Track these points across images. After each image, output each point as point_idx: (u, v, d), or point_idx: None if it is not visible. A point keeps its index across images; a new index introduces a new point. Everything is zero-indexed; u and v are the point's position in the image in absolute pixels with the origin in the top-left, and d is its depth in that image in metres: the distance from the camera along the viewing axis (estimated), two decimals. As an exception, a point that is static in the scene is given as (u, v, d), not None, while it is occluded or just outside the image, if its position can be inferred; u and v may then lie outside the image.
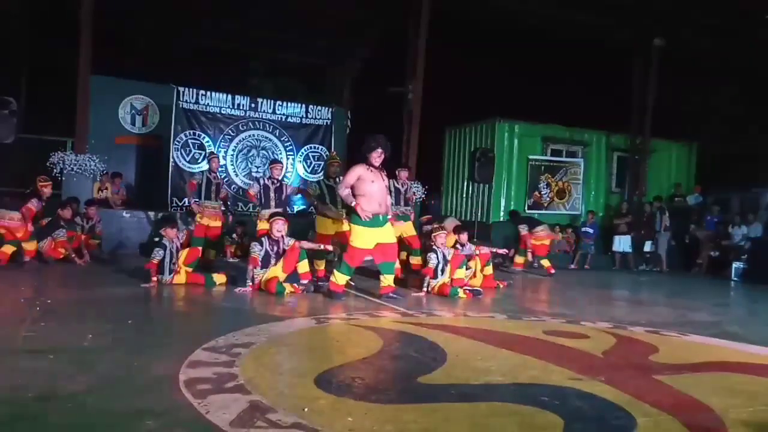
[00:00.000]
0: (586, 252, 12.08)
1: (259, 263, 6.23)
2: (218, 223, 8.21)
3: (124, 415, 2.44)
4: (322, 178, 7.95)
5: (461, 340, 4.25)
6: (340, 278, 6.05)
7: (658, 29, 13.03)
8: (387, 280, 6.15)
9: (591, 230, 12.24)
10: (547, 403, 2.81)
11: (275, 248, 6.31)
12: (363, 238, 5.96)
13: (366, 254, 6.15)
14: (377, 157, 5.96)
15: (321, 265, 7.32)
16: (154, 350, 3.55)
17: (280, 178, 7.78)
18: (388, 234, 6.11)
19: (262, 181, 7.68)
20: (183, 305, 5.71)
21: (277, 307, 5.60)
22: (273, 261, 6.29)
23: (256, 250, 6.24)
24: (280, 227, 6.30)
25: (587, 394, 2.99)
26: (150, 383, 2.88)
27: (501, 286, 7.62)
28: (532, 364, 3.60)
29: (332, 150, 11.87)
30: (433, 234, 6.96)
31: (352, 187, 5.95)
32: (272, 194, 7.54)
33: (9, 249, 7.43)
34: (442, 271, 6.70)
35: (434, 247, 6.79)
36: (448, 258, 6.78)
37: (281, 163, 8.83)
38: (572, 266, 11.93)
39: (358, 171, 5.95)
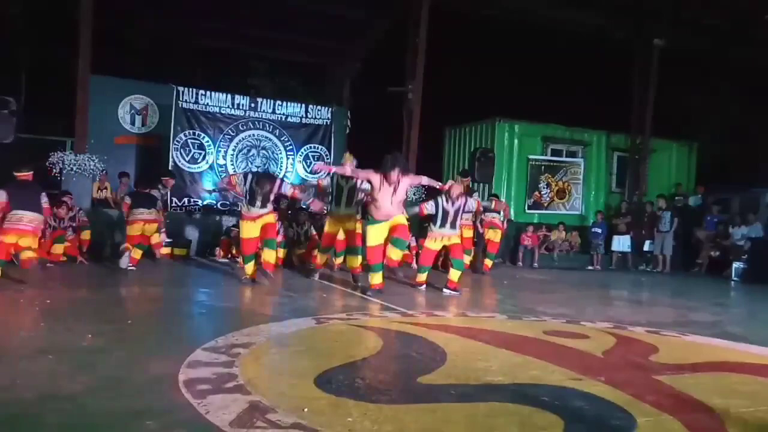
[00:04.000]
0: (595, 252, 12.26)
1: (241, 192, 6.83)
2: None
3: (124, 415, 2.44)
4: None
5: (461, 340, 4.25)
6: (376, 278, 6.42)
7: (658, 29, 13.03)
8: (396, 254, 6.60)
9: (599, 230, 12.33)
10: (547, 403, 2.81)
11: (264, 188, 6.74)
12: (374, 236, 6.36)
13: (381, 249, 6.45)
14: (394, 177, 6.21)
15: (321, 259, 7.54)
16: (154, 350, 3.55)
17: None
18: (397, 219, 6.43)
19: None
20: (183, 305, 5.71)
21: (277, 307, 5.60)
22: (260, 199, 6.69)
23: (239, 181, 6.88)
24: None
25: (587, 394, 2.99)
26: (150, 383, 2.87)
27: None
28: (532, 364, 3.59)
29: (332, 151, 11.90)
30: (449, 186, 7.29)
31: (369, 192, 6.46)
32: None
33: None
34: (443, 222, 6.98)
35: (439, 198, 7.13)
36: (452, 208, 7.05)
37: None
38: (594, 267, 12.17)
39: (372, 178, 6.30)
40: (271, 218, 6.91)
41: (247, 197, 6.77)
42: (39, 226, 6.51)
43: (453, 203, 7.01)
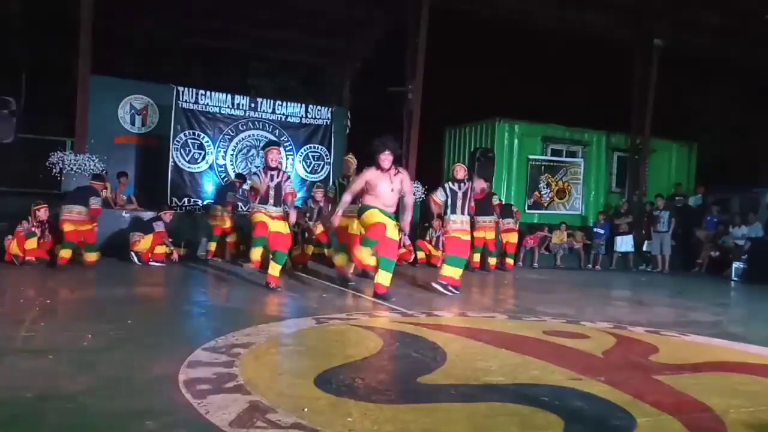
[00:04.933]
0: (597, 252, 12.24)
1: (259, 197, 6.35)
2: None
3: (124, 415, 2.44)
4: (339, 177, 8.15)
5: (461, 340, 4.25)
6: (365, 255, 6.01)
7: (658, 29, 13.03)
8: (383, 277, 6.01)
9: (602, 231, 12.34)
10: (547, 403, 2.81)
11: (274, 179, 6.37)
12: (376, 215, 5.89)
13: (384, 228, 5.91)
14: (386, 159, 5.95)
15: (341, 260, 7.16)
16: (154, 350, 3.55)
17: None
18: (391, 229, 6.04)
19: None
20: (183, 305, 5.71)
21: (277, 307, 5.60)
22: (273, 195, 6.30)
23: (257, 180, 6.41)
24: (275, 156, 6.42)
25: (587, 394, 2.99)
26: (150, 383, 2.87)
27: None
28: (532, 364, 3.59)
29: (332, 151, 11.91)
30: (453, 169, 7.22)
31: (365, 186, 6.00)
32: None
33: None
34: (453, 208, 6.81)
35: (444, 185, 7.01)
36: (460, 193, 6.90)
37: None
38: (594, 267, 12.18)
39: (367, 176, 5.99)
40: (283, 227, 6.41)
41: (260, 197, 6.39)
42: (83, 217, 7.72)
43: (460, 186, 6.92)
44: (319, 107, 12.20)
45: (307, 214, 9.64)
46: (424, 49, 11.33)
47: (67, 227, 7.57)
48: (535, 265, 11.71)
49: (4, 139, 9.05)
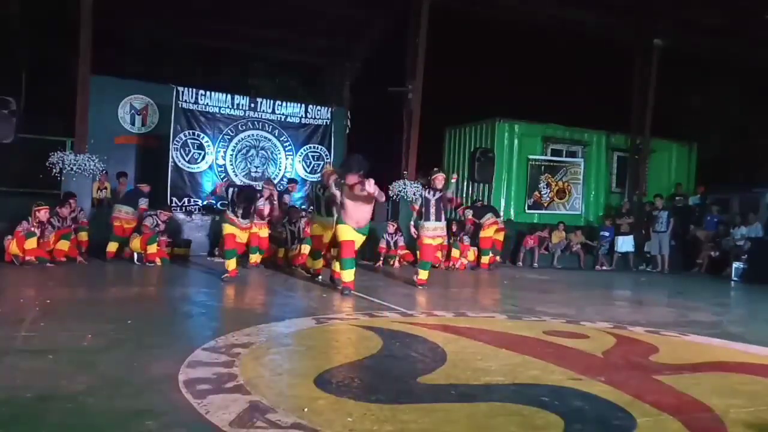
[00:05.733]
0: (599, 253, 12.27)
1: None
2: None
3: (124, 415, 2.44)
4: (317, 188, 8.03)
5: (461, 340, 4.25)
6: (347, 275, 6.34)
7: (658, 29, 13.03)
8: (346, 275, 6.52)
9: (607, 233, 12.36)
10: (547, 403, 2.81)
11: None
12: (347, 233, 6.36)
13: (354, 245, 6.44)
14: (353, 179, 6.25)
15: (318, 264, 7.69)
16: (154, 350, 3.55)
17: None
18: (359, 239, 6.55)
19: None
20: (183, 305, 5.70)
21: (276, 307, 5.60)
22: (240, 212, 7.28)
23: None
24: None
25: (587, 394, 2.99)
26: (150, 383, 2.87)
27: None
28: (532, 364, 3.59)
29: (332, 151, 11.91)
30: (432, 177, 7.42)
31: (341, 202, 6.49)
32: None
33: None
34: (427, 215, 7.15)
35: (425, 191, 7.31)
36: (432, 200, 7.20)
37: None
38: (600, 267, 12.19)
39: (340, 196, 6.42)
40: (256, 230, 7.78)
41: (230, 207, 7.30)
42: (131, 216, 8.97)
43: (434, 193, 7.15)
44: (319, 107, 12.19)
45: (304, 213, 9.64)
46: (424, 49, 11.32)
47: (116, 223, 8.86)
48: (535, 265, 11.71)
49: (4, 139, 9.04)
